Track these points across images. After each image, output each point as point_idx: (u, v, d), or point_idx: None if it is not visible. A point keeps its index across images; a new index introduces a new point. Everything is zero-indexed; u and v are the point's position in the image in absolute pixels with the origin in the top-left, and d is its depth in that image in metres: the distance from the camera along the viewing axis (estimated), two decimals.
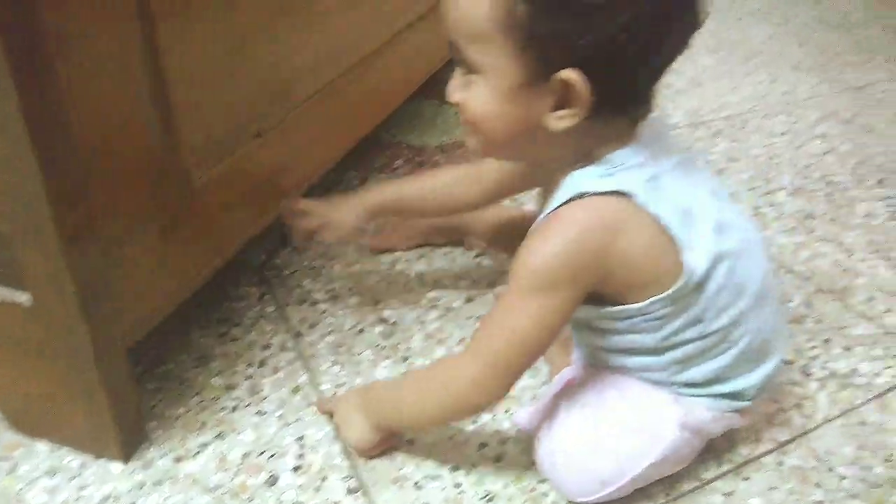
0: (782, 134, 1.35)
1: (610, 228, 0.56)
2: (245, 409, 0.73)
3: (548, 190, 0.63)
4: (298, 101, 0.82)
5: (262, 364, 0.78)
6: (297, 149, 0.84)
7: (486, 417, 0.73)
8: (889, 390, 0.77)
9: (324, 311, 0.86)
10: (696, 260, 0.58)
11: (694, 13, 0.53)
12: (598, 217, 0.56)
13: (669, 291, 0.57)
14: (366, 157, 1.17)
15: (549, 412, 0.66)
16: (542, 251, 0.57)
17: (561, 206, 0.57)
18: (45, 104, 0.51)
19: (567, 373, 0.68)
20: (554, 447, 0.64)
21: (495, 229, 0.90)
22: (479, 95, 0.56)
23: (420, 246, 0.97)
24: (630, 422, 0.62)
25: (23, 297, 0.59)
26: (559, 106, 0.54)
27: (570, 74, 0.52)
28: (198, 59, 0.65)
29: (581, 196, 0.56)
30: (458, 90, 0.58)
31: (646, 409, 0.62)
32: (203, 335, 0.82)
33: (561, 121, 0.54)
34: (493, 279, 0.92)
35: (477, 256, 0.96)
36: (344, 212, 0.83)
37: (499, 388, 0.60)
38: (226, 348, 0.80)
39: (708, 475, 0.67)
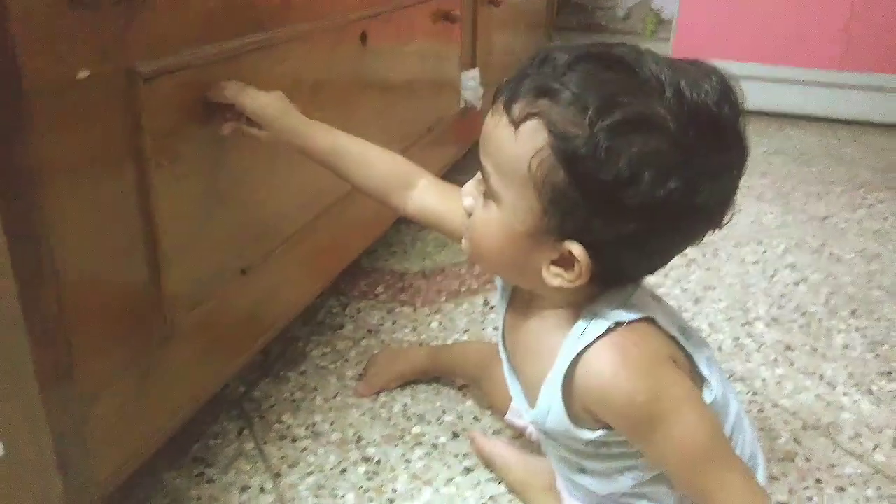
0: (754, 263, 1.38)
1: (661, 342, 0.57)
2: None
3: (522, 300, 0.63)
4: (283, 237, 0.82)
5: None
6: (280, 284, 0.84)
7: None
8: None
9: (304, 449, 0.83)
10: (712, 384, 0.59)
11: (719, 219, 0.55)
12: (648, 335, 0.57)
13: None
14: (347, 285, 1.16)
15: None
16: (641, 383, 0.54)
17: (596, 340, 0.56)
18: (30, 243, 0.50)
19: None
20: None
21: (479, 368, 0.88)
22: (488, 222, 0.56)
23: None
24: None
25: None
26: (560, 265, 0.55)
27: (576, 250, 0.53)
28: (188, 202, 0.66)
29: (613, 326, 0.56)
30: (472, 197, 0.59)
31: None
32: (177, 476, 0.78)
33: (555, 278, 0.55)
34: (479, 412, 0.90)
35: (461, 388, 0.94)
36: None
37: (756, 480, 0.59)
38: (201, 490, 0.76)
39: None
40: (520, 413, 0.78)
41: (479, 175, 0.58)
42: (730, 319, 1.16)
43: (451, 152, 1.48)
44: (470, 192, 0.59)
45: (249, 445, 0.83)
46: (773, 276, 1.32)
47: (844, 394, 0.99)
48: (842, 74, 2.32)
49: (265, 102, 0.67)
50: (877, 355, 1.08)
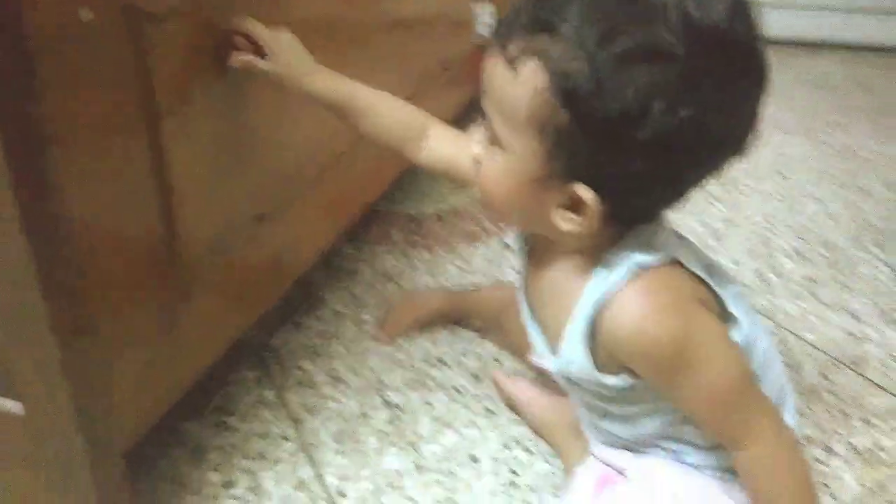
0: (777, 197, 1.35)
1: (687, 284, 0.55)
2: None
3: (540, 248, 0.61)
4: (298, 182, 0.80)
5: (261, 457, 0.74)
6: (297, 231, 0.82)
7: None
8: None
9: (325, 396, 0.82)
10: (741, 322, 0.57)
11: (740, 148, 0.52)
12: (673, 277, 0.55)
13: None
14: (361, 229, 1.15)
15: None
16: (668, 327, 0.53)
17: (621, 286, 0.54)
18: (42, 198, 0.48)
19: (593, 470, 0.65)
20: None
21: (498, 311, 0.87)
22: (495, 169, 0.54)
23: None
24: None
25: (15, 407, 0.55)
26: (570, 209, 0.52)
27: (584, 192, 0.50)
28: (201, 153, 0.64)
29: (637, 270, 0.54)
30: (479, 146, 0.56)
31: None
32: (197, 425, 0.78)
33: (566, 223, 0.53)
34: (499, 354, 0.89)
35: (480, 331, 0.93)
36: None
37: (787, 426, 0.58)
38: (222, 439, 0.76)
39: None
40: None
41: (483, 123, 0.56)
42: (752, 253, 1.14)
43: (467, 89, 1.44)
44: (477, 142, 0.56)
45: (269, 393, 0.83)
46: (797, 210, 1.29)
47: (871, 325, 0.97)
48: None
49: (279, 35, 0.65)
50: None
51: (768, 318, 0.98)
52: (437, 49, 1.21)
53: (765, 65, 0.50)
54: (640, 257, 0.54)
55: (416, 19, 1.10)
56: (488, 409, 0.81)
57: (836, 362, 0.90)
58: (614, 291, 0.54)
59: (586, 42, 0.46)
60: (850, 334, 0.95)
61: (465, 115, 1.62)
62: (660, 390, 0.57)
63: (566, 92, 0.47)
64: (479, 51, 1.41)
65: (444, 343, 0.91)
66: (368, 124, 0.69)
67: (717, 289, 0.57)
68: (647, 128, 0.47)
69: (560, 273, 0.59)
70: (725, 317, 0.58)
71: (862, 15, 2.25)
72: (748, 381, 0.56)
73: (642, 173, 0.50)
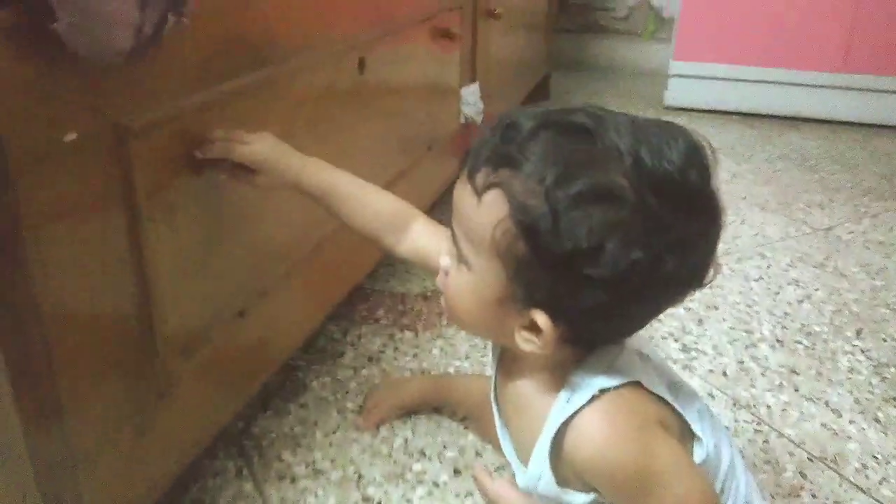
0: (757, 279, 1.37)
1: (648, 405, 0.56)
2: None
3: (509, 358, 0.63)
4: (281, 273, 0.81)
5: None
6: (281, 320, 0.83)
7: None
8: None
9: (304, 489, 0.81)
10: (703, 440, 0.59)
11: (696, 284, 0.54)
12: (636, 400, 0.56)
13: None
14: (347, 308, 1.15)
15: None
16: (628, 454, 0.54)
17: (582, 408, 0.55)
18: (14, 288, 0.48)
19: None
20: None
21: (481, 403, 0.87)
22: (461, 285, 0.56)
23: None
24: None
25: None
26: (530, 331, 0.54)
27: (540, 318, 0.52)
28: (181, 252, 0.64)
29: (599, 393, 0.55)
30: (447, 258, 0.58)
31: None
32: None
33: (527, 344, 0.54)
34: (480, 447, 0.89)
35: (462, 420, 0.93)
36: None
37: None
38: None
39: None
40: None
41: (452, 240, 0.58)
42: (734, 341, 1.15)
43: (451, 168, 1.47)
44: (447, 252, 0.58)
45: (249, 486, 0.82)
46: (777, 294, 1.31)
47: (851, 421, 0.97)
48: (845, 77, 2.30)
49: (257, 150, 0.66)
50: (883, 379, 1.07)
51: (749, 411, 0.99)
52: (423, 130, 1.23)
53: (719, 207, 0.52)
54: (602, 381, 0.55)
55: (403, 103, 1.13)
56: None
57: (816, 460, 0.90)
58: (576, 414, 0.55)
59: (544, 180, 0.49)
60: (830, 430, 0.96)
61: (449, 192, 1.65)
62: None
63: (524, 225, 0.49)
64: (464, 130, 1.45)
65: (426, 433, 0.91)
66: (353, 215, 0.70)
67: (678, 409, 0.58)
68: (601, 265, 0.49)
69: (528, 389, 0.60)
70: (688, 435, 0.59)
71: (844, 92, 2.32)
72: (711, 502, 0.56)
73: (597, 305, 0.51)
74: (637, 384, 0.56)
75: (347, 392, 0.98)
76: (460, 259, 0.56)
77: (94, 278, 0.56)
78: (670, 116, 2.45)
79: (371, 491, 0.82)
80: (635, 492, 0.55)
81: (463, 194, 0.54)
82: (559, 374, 0.57)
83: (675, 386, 0.60)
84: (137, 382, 0.62)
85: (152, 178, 0.59)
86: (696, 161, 0.50)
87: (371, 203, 0.70)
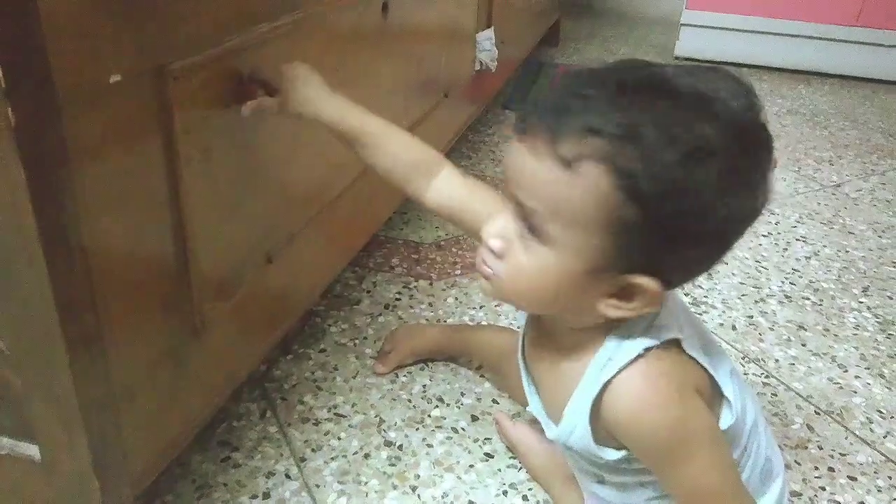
0: (766, 235, 1.38)
1: (686, 370, 0.57)
2: None
3: (547, 321, 0.62)
4: (307, 218, 0.81)
5: (266, 496, 0.75)
6: (304, 267, 0.83)
7: None
8: None
9: (327, 433, 0.83)
10: (732, 403, 0.60)
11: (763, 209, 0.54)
12: (675, 364, 0.57)
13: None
14: (362, 256, 1.16)
15: None
16: (665, 420, 0.55)
17: (625, 367, 0.56)
18: (61, 231, 0.48)
19: None
20: None
21: (498, 357, 0.88)
22: (539, 265, 0.53)
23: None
24: None
25: (32, 451, 0.56)
26: (619, 297, 0.54)
27: (649, 284, 0.52)
28: (216, 194, 0.65)
29: (643, 352, 0.56)
30: (501, 239, 0.55)
31: None
32: (203, 460, 0.79)
33: (615, 310, 0.54)
34: (497, 395, 0.91)
35: (478, 369, 0.95)
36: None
37: None
38: (228, 476, 0.77)
39: None
40: None
41: (506, 214, 0.55)
42: (743, 296, 1.17)
43: (467, 113, 1.46)
44: (500, 234, 0.55)
45: (273, 428, 0.83)
46: (785, 250, 1.32)
47: (856, 377, 1.00)
48: (858, 31, 2.28)
49: (293, 72, 0.65)
50: (888, 336, 1.09)
51: (758, 365, 1.01)
52: (440, 76, 1.22)
53: (772, 140, 0.53)
54: (645, 340, 0.56)
55: (422, 49, 1.11)
56: (487, 454, 0.82)
57: (823, 413, 0.93)
58: (619, 373, 0.56)
59: (646, 143, 0.48)
60: (836, 384, 0.98)
61: (463, 140, 1.64)
62: (649, 468, 0.59)
63: (632, 191, 0.48)
64: (480, 76, 1.43)
65: (443, 381, 0.93)
66: (380, 159, 0.68)
67: (712, 372, 0.59)
68: (707, 220, 0.50)
69: (565, 345, 0.61)
70: (718, 397, 0.60)
71: (856, 47, 2.30)
72: (732, 477, 0.58)
73: (697, 258, 0.53)
74: (676, 343, 0.57)
75: (365, 338, 0.99)
76: (536, 236, 0.53)
77: (134, 214, 0.56)
78: None
79: (392, 435, 0.84)
80: (663, 457, 0.56)
81: (539, 168, 0.51)
82: (601, 331, 0.58)
83: (708, 344, 0.61)
84: (173, 320, 0.63)
85: (190, 119, 0.59)
86: (755, 99, 0.51)
87: (400, 148, 0.68)
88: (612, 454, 0.59)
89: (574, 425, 0.59)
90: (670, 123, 0.48)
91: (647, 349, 0.55)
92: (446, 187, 0.68)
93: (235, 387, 0.73)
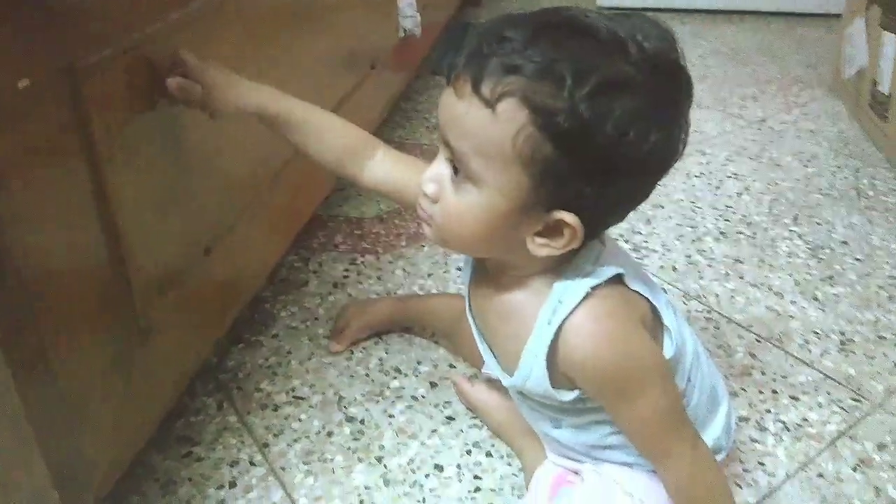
0: (698, 175, 1.42)
1: (631, 304, 0.60)
2: None
3: (492, 271, 0.64)
4: (242, 207, 0.80)
5: (232, 484, 0.75)
6: (245, 254, 0.83)
7: None
8: (837, 438, 0.82)
9: (288, 416, 0.84)
10: (672, 331, 0.63)
11: (683, 149, 0.56)
12: (621, 300, 0.59)
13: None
14: (305, 237, 1.15)
15: None
16: (618, 356, 0.58)
17: (575, 309, 0.57)
18: None
19: (549, 471, 0.70)
20: None
21: (450, 323, 0.89)
22: (467, 205, 0.55)
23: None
24: None
25: None
26: (544, 234, 0.55)
27: (569, 219, 0.53)
28: (144, 191, 0.63)
29: (591, 291, 0.57)
30: (435, 183, 0.57)
31: (653, 502, 0.64)
32: (165, 458, 0.78)
33: (542, 248, 0.55)
34: (453, 359, 0.92)
35: (432, 336, 0.96)
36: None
37: (703, 446, 0.63)
38: (191, 470, 0.77)
39: None
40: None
41: (441, 158, 0.57)
42: (681, 237, 1.20)
43: (396, 82, 1.45)
44: (433, 178, 0.57)
45: (232, 418, 0.83)
46: (717, 188, 1.37)
47: (792, 302, 1.05)
48: None
49: (211, 70, 0.64)
50: (819, 260, 1.14)
51: (699, 301, 1.04)
52: (365, 47, 1.21)
53: (691, 80, 0.55)
54: (590, 279, 0.58)
55: (344, 21, 1.10)
56: (448, 417, 0.84)
57: (763, 340, 0.97)
58: (570, 315, 0.57)
59: (562, 80, 0.49)
60: (774, 311, 1.03)
61: (396, 107, 1.63)
62: (603, 405, 0.62)
63: (549, 126, 0.50)
64: (405, 43, 1.42)
65: (399, 352, 0.94)
66: (313, 144, 0.68)
67: (654, 302, 0.62)
68: (625, 153, 0.51)
69: (513, 295, 0.62)
70: (660, 328, 0.63)
71: None
72: (678, 410, 0.61)
73: (618, 193, 0.54)
74: (620, 279, 0.59)
75: (317, 319, 0.99)
76: (466, 178, 0.54)
77: (63, 224, 0.55)
78: None
79: (353, 410, 0.85)
80: (615, 393, 0.59)
81: (466, 109, 0.52)
82: (548, 276, 0.59)
83: (646, 277, 0.64)
84: (118, 326, 0.62)
85: (109, 118, 0.57)
86: (675, 41, 0.53)
87: (332, 133, 0.69)
88: (567, 395, 0.61)
89: (530, 370, 0.60)
90: (585, 60, 0.50)
91: (594, 288, 0.57)
92: (381, 166, 0.69)
93: (188, 382, 0.73)
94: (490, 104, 0.51)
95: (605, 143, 0.50)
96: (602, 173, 0.52)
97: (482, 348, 0.68)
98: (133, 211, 0.61)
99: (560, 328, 0.58)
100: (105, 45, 0.56)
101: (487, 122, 0.51)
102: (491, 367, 0.68)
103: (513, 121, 0.50)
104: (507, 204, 0.54)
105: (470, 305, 0.68)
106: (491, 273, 0.64)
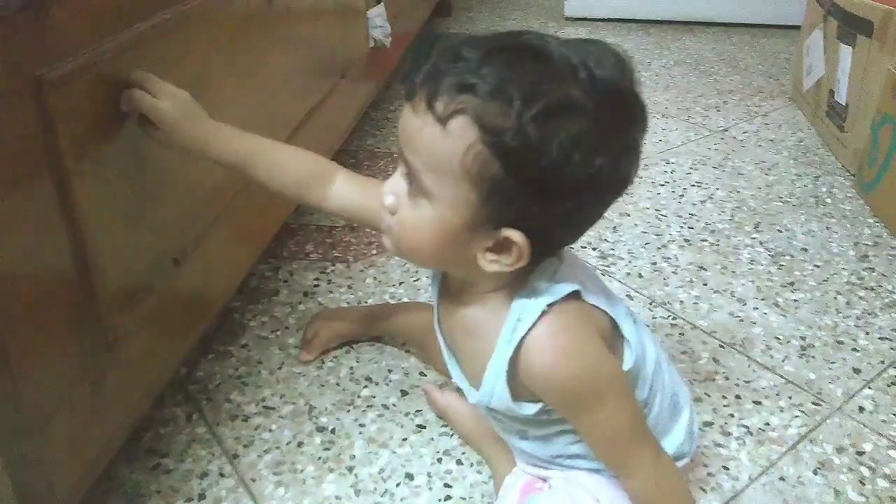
0: (663, 184, 1.45)
1: (588, 318, 0.61)
2: None
3: (454, 286, 0.65)
4: (210, 219, 0.80)
5: (202, 496, 0.75)
6: (215, 264, 0.82)
7: None
8: (799, 441, 0.84)
9: (258, 427, 0.84)
10: (632, 343, 0.64)
11: (631, 182, 0.57)
12: (578, 315, 0.60)
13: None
14: (275, 246, 1.15)
15: None
16: (577, 369, 0.59)
17: (534, 326, 0.58)
18: None
19: (518, 478, 0.71)
20: None
21: (421, 334, 0.90)
22: (419, 219, 0.56)
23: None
24: None
25: None
26: (494, 251, 0.56)
27: (516, 237, 0.54)
28: (111, 203, 0.63)
29: (547, 308, 0.58)
30: (393, 195, 0.58)
31: None
32: (133, 470, 0.78)
33: (492, 264, 0.57)
34: (424, 367, 0.93)
35: (403, 344, 0.97)
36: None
37: (665, 455, 0.64)
38: (160, 483, 0.76)
39: None
40: None
41: (399, 172, 0.58)
42: (646, 245, 1.23)
43: (366, 92, 1.45)
44: (392, 191, 0.58)
45: (202, 429, 0.83)
46: (682, 196, 1.39)
47: (754, 308, 1.07)
48: None
49: (165, 108, 0.63)
50: (780, 267, 1.17)
51: (664, 308, 1.06)
52: (335, 58, 1.21)
53: (645, 109, 0.57)
54: (547, 297, 0.59)
55: (312, 33, 1.10)
56: (419, 425, 0.85)
57: (727, 346, 0.99)
58: (528, 332, 0.59)
59: (511, 101, 0.50)
60: (737, 317, 1.05)
61: (366, 117, 1.64)
62: (565, 417, 0.63)
63: (496, 145, 0.51)
64: (375, 53, 1.43)
65: (370, 360, 0.94)
66: (273, 179, 0.69)
67: (612, 315, 0.63)
68: (569, 175, 0.52)
69: (476, 312, 0.63)
70: (619, 339, 0.64)
71: None
72: (637, 419, 0.63)
73: (564, 214, 0.55)
74: (577, 295, 0.60)
75: (287, 328, 0.99)
76: (419, 192, 0.55)
77: (29, 238, 0.54)
78: (571, 27, 2.48)
79: (324, 420, 0.85)
80: (576, 404, 0.61)
81: (420, 125, 0.53)
82: (506, 294, 0.60)
83: (606, 291, 0.65)
84: (84, 338, 0.61)
85: (75, 130, 0.57)
86: (629, 70, 0.54)
87: (288, 163, 0.70)
88: (529, 408, 0.62)
89: (493, 387, 0.61)
90: (536, 82, 0.51)
91: (550, 305, 0.58)
92: (343, 192, 0.70)
93: (156, 394, 0.73)
94: (442, 121, 0.52)
95: (550, 163, 0.51)
96: (547, 193, 0.53)
97: (449, 363, 0.69)
98: (100, 222, 0.61)
99: (519, 344, 0.59)
100: (71, 58, 0.56)
101: (439, 138, 0.52)
102: (458, 382, 0.69)
103: (463, 138, 0.51)
104: (457, 220, 0.55)
105: (438, 319, 0.69)
106: (454, 288, 0.66)
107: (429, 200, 0.55)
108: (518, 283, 0.60)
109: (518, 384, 0.61)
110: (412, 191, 0.56)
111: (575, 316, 0.60)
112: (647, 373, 0.67)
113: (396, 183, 0.58)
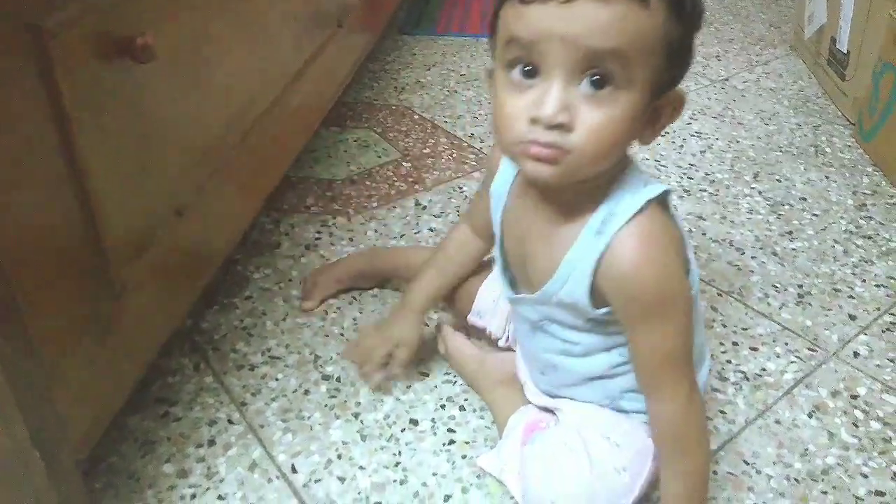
0: (663, 135, 1.43)
1: (673, 231, 0.62)
2: (205, 496, 0.72)
3: (540, 197, 0.64)
4: (211, 169, 0.80)
5: (211, 442, 0.77)
6: (217, 215, 0.83)
7: (445, 467, 0.75)
8: (794, 386, 0.86)
9: (264, 376, 0.85)
10: (695, 273, 0.67)
11: None
12: (667, 224, 0.61)
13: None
14: (277, 199, 1.15)
15: (525, 463, 0.68)
16: (661, 276, 0.60)
17: (629, 222, 0.58)
18: None
19: (522, 418, 0.72)
20: (545, 497, 0.66)
21: (414, 272, 0.91)
22: (615, 114, 0.53)
23: (348, 290, 0.98)
24: (617, 461, 0.66)
25: None
26: (651, 122, 0.58)
27: (682, 92, 0.58)
28: (115, 153, 0.63)
29: (645, 205, 0.59)
30: (567, 112, 0.53)
31: (629, 447, 0.67)
32: (143, 418, 0.79)
33: (653, 136, 0.59)
34: (426, 317, 0.94)
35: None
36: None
37: (699, 391, 0.65)
38: (169, 430, 0.78)
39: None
40: (481, 314, 0.83)
41: (557, 88, 0.53)
42: None
43: (363, 42, 1.43)
44: (561, 107, 0.53)
45: (209, 379, 0.84)
46: (681, 147, 1.39)
47: (752, 257, 1.08)
48: None
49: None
50: (779, 216, 1.18)
51: None
52: (331, 6, 1.19)
53: None
54: (649, 193, 0.59)
55: None
56: (422, 372, 0.86)
57: (725, 294, 1.00)
58: (624, 227, 0.58)
59: None
60: (735, 266, 1.06)
61: (364, 68, 1.62)
62: (626, 326, 0.63)
63: (681, 11, 0.54)
64: (372, 2, 1.40)
65: (373, 311, 0.95)
66: (459, 277, 0.85)
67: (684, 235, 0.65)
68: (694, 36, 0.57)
69: (561, 212, 0.62)
70: (687, 263, 0.65)
71: None
72: (690, 348, 0.63)
73: (680, 77, 0.58)
74: (665, 203, 0.62)
75: (290, 280, 1.00)
76: (615, 87, 0.53)
77: (34, 187, 0.54)
78: None
79: (329, 369, 0.86)
80: (642, 312, 0.60)
81: (623, 13, 0.51)
82: (597, 194, 0.60)
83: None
84: (91, 287, 0.62)
85: (76, 79, 0.57)
86: None
87: (461, 257, 0.84)
88: (599, 311, 0.63)
89: (566, 278, 0.62)
90: None
91: (649, 201, 0.59)
92: (477, 231, 0.81)
93: (163, 343, 0.74)
94: (645, 1, 0.53)
95: (697, 26, 0.56)
96: (690, 54, 0.57)
97: (503, 278, 0.72)
98: (104, 174, 0.61)
99: (609, 244, 0.59)
100: (70, 3, 0.56)
101: (645, 17, 0.52)
102: (505, 291, 0.71)
103: (661, 11, 0.53)
104: (646, 98, 0.55)
105: (501, 240, 0.71)
106: (533, 194, 0.64)
107: (626, 89, 0.53)
108: (610, 182, 0.60)
109: (595, 281, 0.61)
110: (601, 91, 0.53)
111: (664, 224, 0.61)
112: (698, 308, 0.67)
113: (561, 97, 0.53)
